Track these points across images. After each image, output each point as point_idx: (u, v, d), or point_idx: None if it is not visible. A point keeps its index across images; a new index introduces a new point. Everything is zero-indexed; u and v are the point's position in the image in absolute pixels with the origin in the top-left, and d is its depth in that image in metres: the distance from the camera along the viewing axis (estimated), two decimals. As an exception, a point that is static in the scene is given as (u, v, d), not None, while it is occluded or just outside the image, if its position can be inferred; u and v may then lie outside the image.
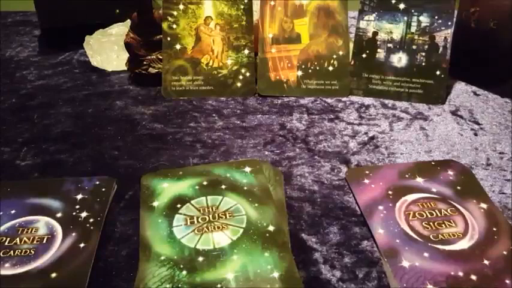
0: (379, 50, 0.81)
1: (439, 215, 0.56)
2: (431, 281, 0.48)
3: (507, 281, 0.48)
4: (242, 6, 0.82)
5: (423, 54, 0.79)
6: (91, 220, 0.56)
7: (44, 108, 0.79)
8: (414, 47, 0.80)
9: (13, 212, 0.56)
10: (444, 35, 0.79)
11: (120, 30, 0.92)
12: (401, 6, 0.79)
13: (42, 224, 0.55)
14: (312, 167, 0.66)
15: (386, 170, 0.64)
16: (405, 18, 0.80)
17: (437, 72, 0.79)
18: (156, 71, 0.83)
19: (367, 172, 0.63)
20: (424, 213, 0.56)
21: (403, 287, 0.48)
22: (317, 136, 0.72)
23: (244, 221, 0.55)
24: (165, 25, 0.82)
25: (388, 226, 0.55)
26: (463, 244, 0.52)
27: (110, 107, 0.79)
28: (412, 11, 0.79)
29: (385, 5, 0.80)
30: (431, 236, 0.53)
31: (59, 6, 0.94)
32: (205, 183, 0.60)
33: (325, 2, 0.82)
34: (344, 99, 0.81)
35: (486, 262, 0.50)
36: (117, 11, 0.96)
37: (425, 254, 0.51)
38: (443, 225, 0.55)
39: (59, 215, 0.56)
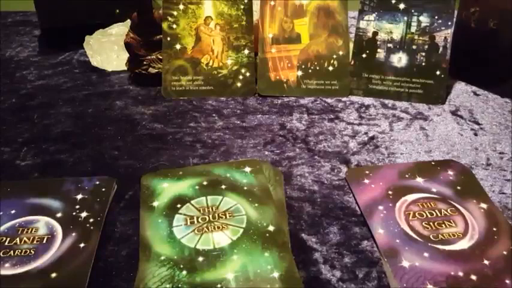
0: (379, 50, 0.81)
1: (439, 215, 0.56)
2: (431, 281, 0.48)
3: (507, 281, 0.48)
4: (242, 6, 0.82)
5: (423, 54, 0.79)
6: (91, 220, 0.56)
7: (44, 108, 0.79)
8: (414, 47, 0.80)
9: (13, 212, 0.56)
10: (444, 35, 0.79)
11: (120, 30, 0.92)
12: (401, 6, 0.79)
13: (42, 224, 0.55)
14: (312, 167, 0.66)
15: (386, 170, 0.64)
16: (405, 18, 0.80)
17: (437, 72, 0.79)
18: (156, 71, 0.83)
19: (367, 172, 0.63)
20: (424, 213, 0.56)
21: (403, 287, 0.48)
22: (317, 136, 0.72)
23: (244, 221, 0.55)
24: (165, 25, 0.82)
25: (388, 226, 0.55)
26: (463, 244, 0.52)
27: (110, 107, 0.79)
28: (412, 11, 0.79)
29: (385, 5, 0.80)
30: (431, 236, 0.53)
31: (59, 6, 0.94)
32: (205, 183, 0.60)
33: (325, 2, 0.82)
34: (344, 99, 0.81)
35: (486, 262, 0.50)
36: (117, 11, 0.96)
37: (425, 254, 0.51)
38: (443, 225, 0.55)
39: (59, 215, 0.56)
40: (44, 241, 0.53)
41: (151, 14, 0.82)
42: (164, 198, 0.58)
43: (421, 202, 0.58)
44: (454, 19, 0.79)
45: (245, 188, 0.59)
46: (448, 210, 0.57)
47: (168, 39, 0.82)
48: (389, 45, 0.80)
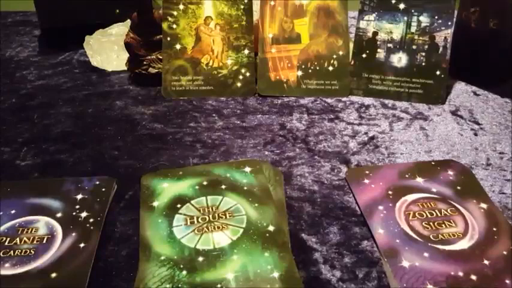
0: (379, 50, 0.81)
1: (439, 215, 0.56)
2: (431, 281, 0.48)
3: (507, 281, 0.48)
4: (242, 6, 0.82)
5: (423, 54, 0.79)
6: (91, 220, 0.56)
7: (44, 108, 0.79)
8: (414, 47, 0.80)
9: (13, 212, 0.56)
10: (444, 35, 0.79)
11: (120, 30, 0.92)
12: (401, 6, 0.79)
13: (42, 224, 0.55)
14: (312, 167, 0.66)
15: (386, 170, 0.64)
16: (405, 18, 0.80)
17: (437, 72, 0.79)
18: (156, 71, 0.83)
19: (367, 172, 0.63)
20: (424, 213, 0.56)
21: (403, 287, 0.48)
22: (317, 136, 0.72)
23: (244, 221, 0.55)
24: (165, 25, 0.82)
25: (388, 226, 0.55)
26: (463, 244, 0.52)
27: (110, 107, 0.79)
28: (412, 11, 0.79)
29: (385, 5, 0.80)
30: (431, 236, 0.53)
31: (59, 6, 0.94)
32: (205, 183, 0.60)
33: (325, 2, 0.82)
34: (344, 99, 0.81)
35: (486, 262, 0.50)
36: (117, 11, 0.96)
37: (425, 254, 0.51)
38: (443, 225, 0.55)
39: (59, 215, 0.56)
40: (44, 241, 0.53)
41: (151, 14, 0.82)
42: (164, 198, 0.58)
43: (421, 202, 0.58)
44: (454, 19, 0.79)
45: (245, 188, 0.59)
46: (448, 210, 0.57)
47: (168, 39, 0.82)
48: (389, 45, 0.80)
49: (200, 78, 0.82)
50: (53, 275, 0.49)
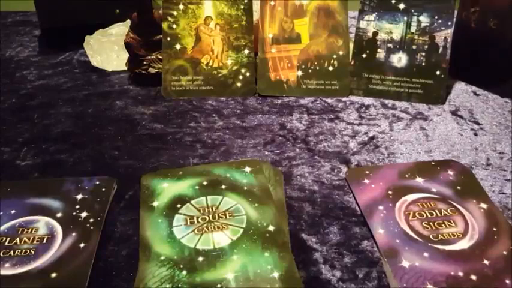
0: (379, 50, 0.81)
1: (439, 215, 0.56)
2: (431, 281, 0.48)
3: (507, 281, 0.48)
4: (242, 6, 0.82)
5: (423, 54, 0.79)
6: (91, 220, 0.56)
7: (44, 108, 0.79)
8: (414, 47, 0.80)
9: (13, 212, 0.56)
10: (444, 35, 0.79)
11: (120, 30, 0.92)
12: (401, 6, 0.79)
13: (42, 224, 0.55)
14: (312, 167, 0.66)
15: (386, 170, 0.64)
16: (405, 18, 0.80)
17: (437, 72, 0.79)
18: (156, 71, 0.83)
19: (367, 172, 0.63)
20: (424, 213, 0.56)
21: (403, 287, 0.48)
22: (317, 136, 0.72)
23: (244, 221, 0.55)
24: (165, 25, 0.82)
25: (388, 226, 0.55)
26: (463, 244, 0.52)
27: (110, 107, 0.79)
28: (412, 11, 0.79)
29: (385, 5, 0.80)
30: (431, 236, 0.53)
31: (59, 6, 0.94)
32: (205, 183, 0.60)
33: (325, 2, 0.82)
34: (344, 99, 0.81)
35: (486, 262, 0.50)
36: (117, 11, 0.96)
37: (425, 254, 0.51)
38: (443, 225, 0.55)
39: (59, 215, 0.56)
40: (44, 241, 0.53)
41: (151, 14, 0.82)
42: (164, 198, 0.58)
43: (421, 202, 0.58)
44: (454, 19, 0.79)
45: (245, 188, 0.59)
46: (448, 210, 0.57)
47: (168, 39, 0.82)
48: (389, 45, 0.80)
49: (200, 78, 0.82)
50: (53, 275, 0.49)
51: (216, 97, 0.81)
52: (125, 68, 0.86)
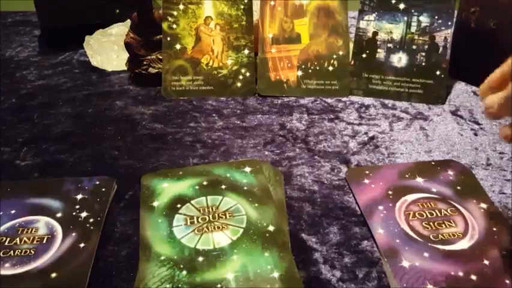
0: (379, 50, 0.81)
1: (439, 215, 0.56)
2: (431, 281, 0.48)
3: (507, 281, 0.48)
4: (242, 6, 0.82)
5: (423, 54, 0.79)
6: (91, 220, 0.56)
7: (44, 108, 0.79)
8: (414, 47, 0.80)
9: (13, 212, 0.57)
10: (444, 35, 0.79)
11: (120, 30, 0.92)
12: (401, 6, 0.79)
13: (42, 224, 0.55)
14: (312, 167, 0.66)
15: (386, 170, 0.64)
16: (405, 18, 0.80)
17: (437, 72, 0.79)
18: (156, 71, 0.83)
19: (367, 172, 0.63)
20: (424, 213, 0.56)
21: (403, 287, 0.48)
22: (317, 136, 0.72)
23: (244, 221, 0.55)
24: (165, 25, 0.82)
25: (388, 226, 0.55)
26: (463, 244, 0.52)
27: (110, 107, 0.79)
28: (412, 11, 0.79)
29: (385, 5, 0.80)
30: (431, 236, 0.53)
31: (59, 6, 0.94)
32: (205, 183, 0.60)
33: (325, 2, 0.82)
34: (344, 99, 0.81)
35: (486, 262, 0.50)
36: (117, 11, 0.96)
37: (425, 254, 0.51)
38: (443, 225, 0.55)
39: (59, 215, 0.56)
40: (44, 241, 0.53)
41: (151, 14, 0.82)
42: (164, 198, 0.58)
43: (421, 202, 0.58)
44: (454, 19, 0.79)
45: (245, 188, 0.59)
46: (448, 210, 0.57)
47: (168, 39, 0.82)
48: (389, 45, 0.80)
49: (200, 78, 0.82)
50: (53, 275, 0.49)
51: (216, 97, 0.81)
52: (125, 68, 0.86)
